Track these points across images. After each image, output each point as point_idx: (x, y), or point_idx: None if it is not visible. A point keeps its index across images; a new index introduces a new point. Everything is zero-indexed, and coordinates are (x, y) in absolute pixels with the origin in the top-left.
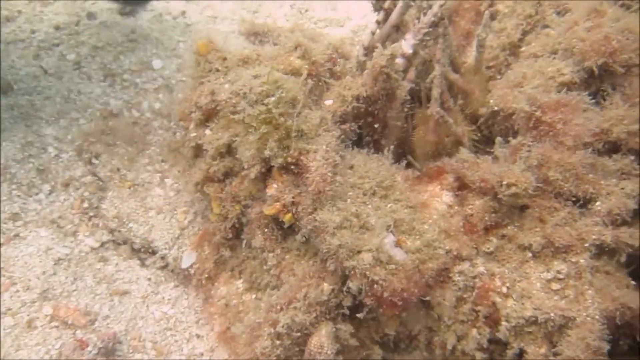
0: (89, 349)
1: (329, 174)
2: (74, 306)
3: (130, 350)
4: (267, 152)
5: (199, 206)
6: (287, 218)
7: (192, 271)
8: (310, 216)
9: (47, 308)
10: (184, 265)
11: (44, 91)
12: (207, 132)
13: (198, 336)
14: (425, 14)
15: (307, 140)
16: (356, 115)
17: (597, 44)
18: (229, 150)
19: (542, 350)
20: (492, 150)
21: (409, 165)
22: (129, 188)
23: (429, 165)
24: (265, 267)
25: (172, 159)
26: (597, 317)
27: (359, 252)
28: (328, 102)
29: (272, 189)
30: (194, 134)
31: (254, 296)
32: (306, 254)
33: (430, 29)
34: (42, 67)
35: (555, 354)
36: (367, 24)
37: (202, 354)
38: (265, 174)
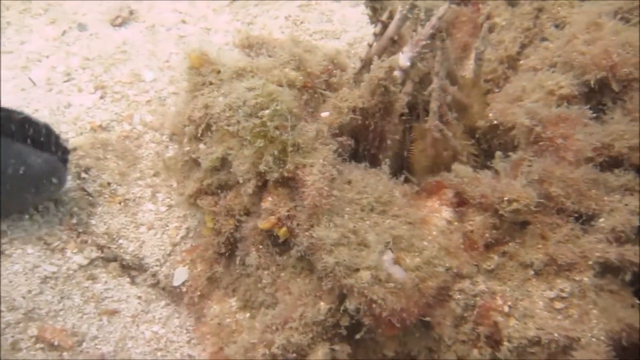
0: None
1: (326, 188)
2: (60, 327)
3: None
4: (262, 167)
5: (192, 222)
6: (282, 232)
7: (184, 289)
8: (306, 233)
9: (33, 329)
10: (176, 282)
11: (33, 103)
12: (201, 146)
13: (190, 357)
14: (423, 26)
15: (303, 154)
16: (353, 129)
17: (597, 57)
18: (224, 164)
19: None
20: (491, 165)
21: (407, 180)
22: (120, 203)
23: (427, 180)
24: (259, 285)
25: (168, 176)
26: (602, 338)
27: (357, 270)
28: (324, 114)
29: (267, 203)
30: (188, 148)
31: (247, 315)
32: (302, 271)
33: (429, 41)
34: (31, 79)
35: None
36: (363, 37)
37: None
38: (261, 188)
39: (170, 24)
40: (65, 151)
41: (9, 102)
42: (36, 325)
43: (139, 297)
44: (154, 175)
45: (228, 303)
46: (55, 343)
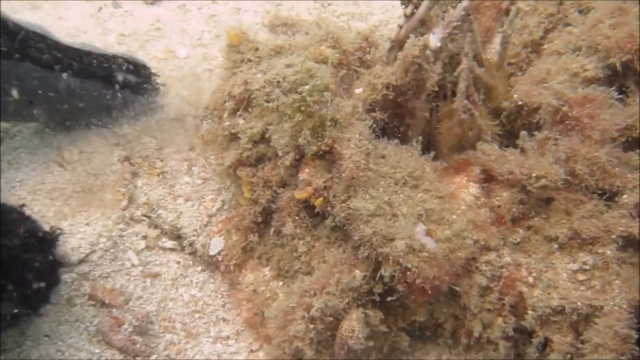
0: (125, 326)
1: (363, 161)
2: (110, 286)
3: (161, 331)
4: (301, 140)
5: (226, 195)
6: (318, 202)
7: (219, 258)
8: (343, 204)
9: (86, 287)
10: (212, 252)
11: None
12: (241, 121)
13: (224, 320)
14: (454, 8)
15: (340, 129)
16: (384, 106)
17: (622, 41)
18: (263, 138)
19: (568, 339)
20: (515, 144)
21: (436, 157)
22: (158, 175)
23: (454, 157)
24: (295, 255)
25: (205, 150)
26: (624, 306)
27: (392, 239)
28: (358, 91)
29: (305, 174)
30: (228, 123)
31: (281, 283)
32: (336, 241)
33: (459, 23)
34: None
35: (583, 342)
36: (389, 20)
37: (228, 337)
38: (299, 161)
39: (200, 3)
40: None
41: None
42: (89, 285)
43: (178, 262)
44: (190, 149)
45: (262, 272)
46: (106, 301)
